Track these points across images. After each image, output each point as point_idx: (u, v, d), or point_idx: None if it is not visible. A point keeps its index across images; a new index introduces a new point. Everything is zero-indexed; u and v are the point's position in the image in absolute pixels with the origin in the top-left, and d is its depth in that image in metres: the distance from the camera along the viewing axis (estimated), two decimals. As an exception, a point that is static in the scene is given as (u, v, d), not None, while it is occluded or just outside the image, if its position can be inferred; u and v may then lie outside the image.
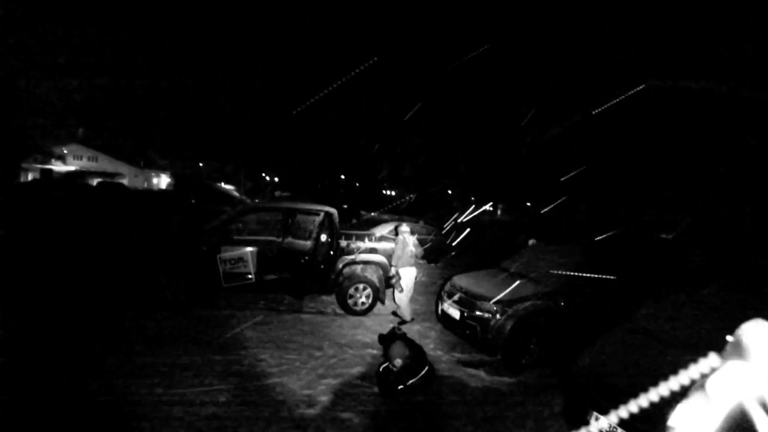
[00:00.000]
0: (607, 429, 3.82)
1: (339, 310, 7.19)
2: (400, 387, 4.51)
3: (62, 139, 42.38)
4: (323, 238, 6.60)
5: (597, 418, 3.95)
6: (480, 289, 5.84)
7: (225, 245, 6.44)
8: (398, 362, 4.52)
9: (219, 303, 6.91)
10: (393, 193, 48.63)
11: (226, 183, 31.42)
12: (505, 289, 5.72)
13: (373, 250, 7.22)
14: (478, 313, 5.57)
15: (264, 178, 41.73)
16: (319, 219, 6.67)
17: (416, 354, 4.71)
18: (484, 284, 5.99)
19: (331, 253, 6.67)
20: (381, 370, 4.69)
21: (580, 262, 5.95)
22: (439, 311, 6.41)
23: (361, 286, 7.05)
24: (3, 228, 10.02)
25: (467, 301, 5.80)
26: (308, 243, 6.54)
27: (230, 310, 6.66)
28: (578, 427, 4.17)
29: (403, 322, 6.72)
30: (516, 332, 5.40)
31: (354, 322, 6.82)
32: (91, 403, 3.91)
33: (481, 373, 5.42)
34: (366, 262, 7.13)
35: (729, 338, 1.01)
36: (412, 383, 4.54)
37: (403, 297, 6.87)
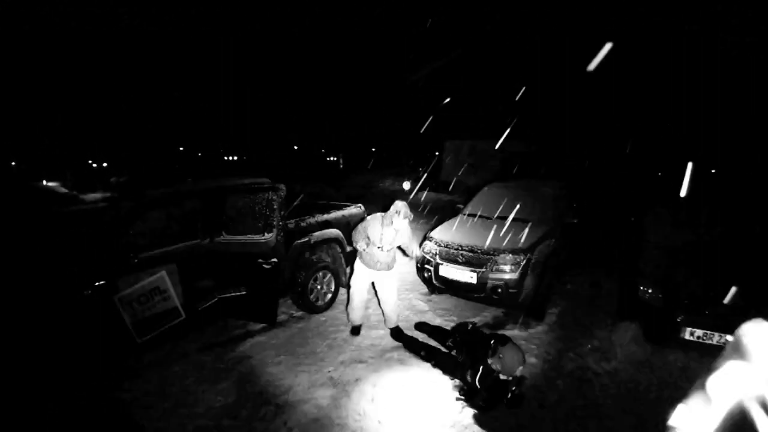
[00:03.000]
0: (702, 337, 4.00)
1: (297, 312, 5.45)
2: (507, 397, 3.58)
3: None
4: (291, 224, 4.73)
5: (692, 332, 4.07)
6: (490, 242, 5.20)
7: (122, 275, 3.95)
8: (520, 371, 3.62)
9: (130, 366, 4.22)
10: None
11: (48, 180, 21.04)
12: (512, 237, 5.25)
13: (326, 224, 5.60)
14: (502, 267, 4.97)
15: (91, 165, 29.32)
16: (272, 197, 4.66)
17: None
18: (487, 235, 5.36)
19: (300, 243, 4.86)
20: (476, 380, 3.69)
21: (556, 196, 5.93)
22: (433, 277, 5.49)
23: (320, 274, 5.39)
24: None
25: (479, 259, 5.11)
26: (267, 236, 4.54)
27: (151, 372, 4.17)
28: (669, 343, 4.34)
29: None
30: (542, 279, 5.07)
31: (323, 321, 5.26)
32: None
33: (516, 331, 4.96)
34: (322, 242, 5.50)
35: (729, 338, 1.01)
36: (516, 392, 3.60)
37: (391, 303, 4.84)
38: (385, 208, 4.59)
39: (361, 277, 4.72)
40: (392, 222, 4.36)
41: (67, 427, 3.40)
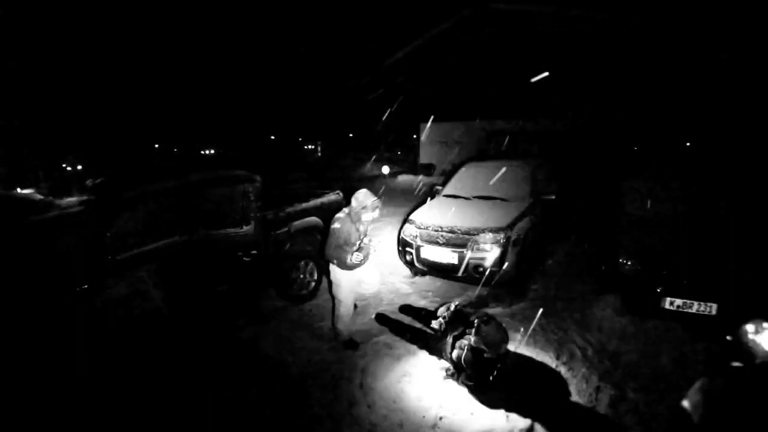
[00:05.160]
0: (681, 306, 4.08)
1: (280, 303, 5.38)
2: (493, 374, 3.59)
3: None
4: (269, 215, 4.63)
5: (672, 302, 4.15)
6: (469, 222, 5.20)
7: (103, 279, 3.78)
8: (504, 348, 3.65)
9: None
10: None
11: (21, 188, 19.92)
12: (491, 216, 5.26)
13: (305, 213, 5.53)
14: (483, 246, 4.99)
15: (66, 168, 28.06)
16: (248, 188, 4.55)
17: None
18: (466, 216, 5.36)
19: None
20: (461, 359, 3.69)
21: (533, 173, 5.94)
22: (415, 260, 5.48)
23: (302, 263, 5.31)
24: None
25: (460, 240, 5.11)
26: (245, 228, 4.43)
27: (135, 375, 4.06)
28: (650, 313, 4.38)
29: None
30: (523, 257, 5.11)
31: (308, 311, 5.21)
32: None
33: (499, 309, 5.01)
34: (302, 231, 5.43)
35: (728, 338, 1.06)
36: (501, 368, 3.63)
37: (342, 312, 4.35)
38: (347, 203, 4.22)
39: (348, 286, 4.20)
40: (361, 218, 4.02)
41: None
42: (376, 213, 4.08)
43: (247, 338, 4.61)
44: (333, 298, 4.39)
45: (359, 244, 4.13)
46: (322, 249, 4.41)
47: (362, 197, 4.01)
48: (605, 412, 3.30)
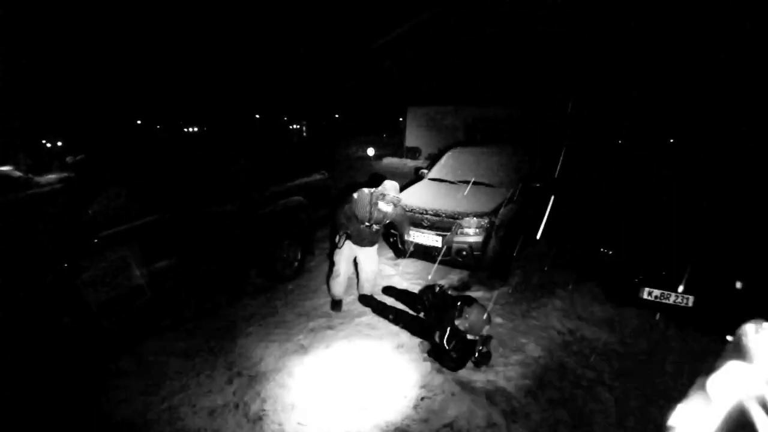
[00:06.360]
0: (659, 297, 4.18)
1: (264, 282, 5.32)
2: (475, 356, 3.66)
3: None
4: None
5: (650, 292, 4.24)
6: (454, 206, 5.21)
7: (85, 257, 3.67)
8: (486, 330, 3.72)
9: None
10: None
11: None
12: (475, 201, 5.28)
13: (290, 192, 5.48)
14: (467, 230, 5.00)
15: (46, 145, 26.83)
16: (235, 167, 4.46)
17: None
18: (451, 200, 5.36)
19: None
20: (444, 341, 3.73)
21: (518, 160, 5.95)
22: (399, 242, 5.47)
23: (285, 242, 5.26)
24: None
25: (444, 223, 5.12)
26: (230, 207, 4.35)
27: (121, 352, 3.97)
28: (628, 303, 4.51)
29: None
30: (506, 242, 5.14)
31: (291, 290, 5.18)
32: None
33: (481, 292, 5.05)
34: (286, 210, 5.36)
35: (729, 338, 1.05)
36: (483, 350, 3.70)
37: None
38: (371, 184, 4.40)
39: (346, 251, 4.57)
40: (378, 202, 4.22)
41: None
42: (389, 207, 4.24)
43: (226, 316, 4.60)
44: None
45: (366, 225, 4.33)
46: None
47: (389, 186, 4.22)
48: (582, 397, 3.38)
